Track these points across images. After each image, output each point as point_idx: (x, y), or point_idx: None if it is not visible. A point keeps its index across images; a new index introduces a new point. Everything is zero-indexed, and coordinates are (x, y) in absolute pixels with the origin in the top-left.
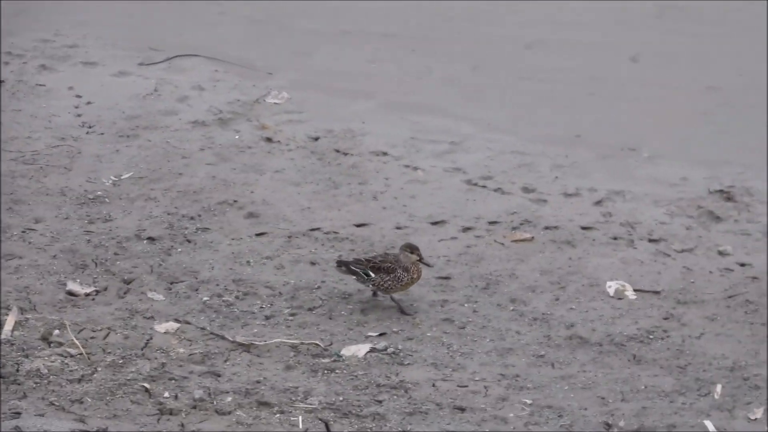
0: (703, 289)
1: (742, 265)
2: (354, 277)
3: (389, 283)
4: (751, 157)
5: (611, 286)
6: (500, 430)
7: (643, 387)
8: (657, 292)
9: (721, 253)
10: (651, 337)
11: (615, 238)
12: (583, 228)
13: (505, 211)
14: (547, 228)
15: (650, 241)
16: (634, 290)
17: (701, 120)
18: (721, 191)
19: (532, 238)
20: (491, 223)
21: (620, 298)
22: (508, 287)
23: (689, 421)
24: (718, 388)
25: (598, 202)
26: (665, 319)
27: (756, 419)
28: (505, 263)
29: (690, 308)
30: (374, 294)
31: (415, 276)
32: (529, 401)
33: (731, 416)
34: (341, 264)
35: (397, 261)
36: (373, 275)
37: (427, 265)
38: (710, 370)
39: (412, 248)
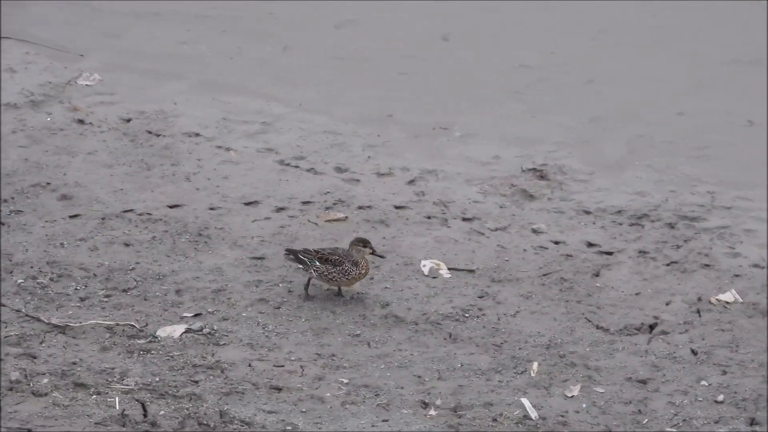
0: (518, 267)
1: (556, 243)
2: (300, 266)
3: (334, 275)
4: (563, 135)
5: (426, 265)
6: (317, 410)
7: (459, 365)
8: (471, 271)
9: (534, 231)
10: (466, 315)
11: (429, 217)
12: (397, 207)
13: (318, 191)
14: (360, 207)
15: (464, 219)
16: (449, 269)
17: (513, 98)
18: (533, 169)
19: (346, 217)
20: (305, 203)
21: (435, 277)
22: None
23: (506, 399)
24: (535, 365)
25: (411, 182)
26: (480, 297)
27: (573, 396)
28: (319, 243)
29: (505, 286)
30: (306, 285)
31: (363, 271)
32: (345, 380)
33: (548, 393)
34: (290, 252)
35: (346, 255)
36: (318, 264)
37: (380, 257)
38: (526, 347)
39: (364, 242)
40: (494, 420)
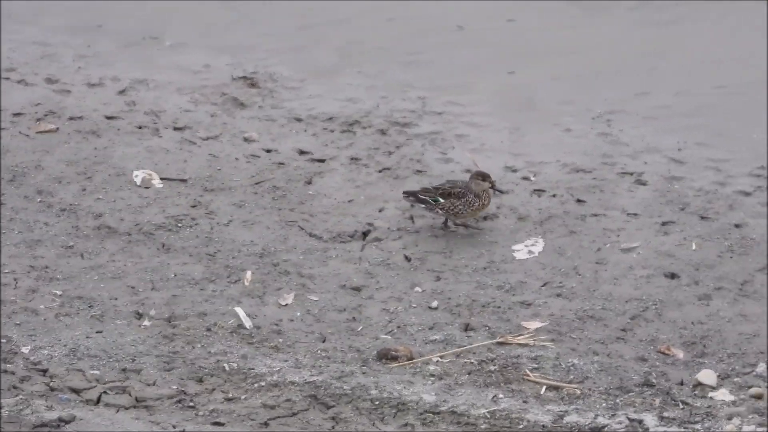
0: (230, 176)
1: (268, 151)
2: (423, 205)
3: (460, 207)
4: (274, 43)
5: (138, 175)
6: (31, 322)
7: (173, 275)
8: (184, 180)
9: (246, 139)
10: (179, 225)
11: (140, 127)
12: (108, 117)
13: (29, 103)
14: (71, 119)
15: (175, 129)
16: (161, 179)
17: (223, 7)
18: (244, 77)
19: (57, 129)
20: (16, 114)
21: (147, 187)
22: (35, 179)
23: (220, 308)
24: (248, 274)
25: (122, 92)
26: (193, 206)
27: (287, 304)
28: (30, 155)
29: (217, 195)
30: (445, 224)
31: (486, 202)
32: (59, 292)
33: (262, 302)
34: (408, 194)
35: (467, 188)
36: (442, 201)
37: (501, 191)
38: (240, 256)
39: (483, 176)
40: (208, 330)
